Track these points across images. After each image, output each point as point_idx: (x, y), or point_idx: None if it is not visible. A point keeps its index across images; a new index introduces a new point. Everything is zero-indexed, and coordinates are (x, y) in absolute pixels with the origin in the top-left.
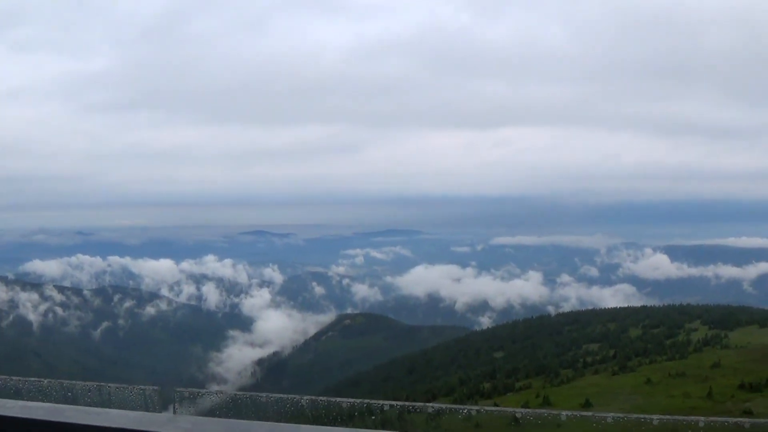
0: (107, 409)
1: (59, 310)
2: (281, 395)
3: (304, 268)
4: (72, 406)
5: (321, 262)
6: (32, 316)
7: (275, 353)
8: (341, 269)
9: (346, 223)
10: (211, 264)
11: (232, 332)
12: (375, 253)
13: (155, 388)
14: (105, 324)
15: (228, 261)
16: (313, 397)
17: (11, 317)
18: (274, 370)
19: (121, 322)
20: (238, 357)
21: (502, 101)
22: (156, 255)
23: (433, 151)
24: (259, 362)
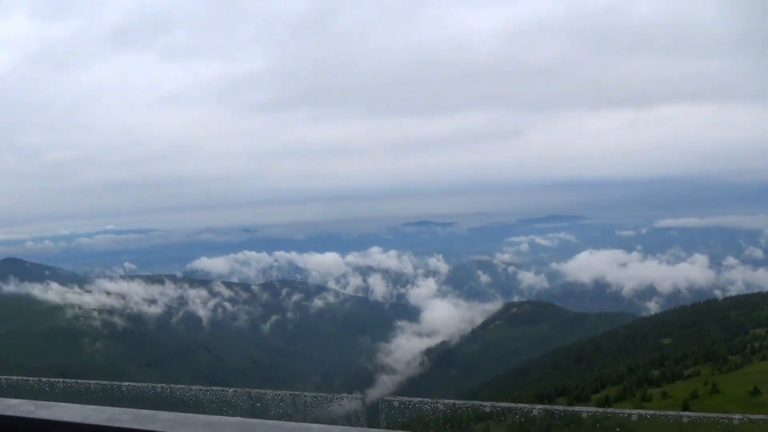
0: (307, 424)
1: (228, 306)
2: (510, 404)
3: (468, 256)
4: (264, 420)
5: (485, 250)
6: (202, 312)
7: (443, 342)
8: (506, 257)
9: (508, 210)
10: (377, 256)
11: (399, 322)
12: (539, 240)
13: (358, 397)
14: (274, 317)
15: (393, 252)
16: (548, 407)
17: (181, 314)
18: (443, 360)
19: (289, 315)
20: (406, 347)
21: (658, 78)
22: (321, 249)
23: (592, 133)
24: (428, 352)
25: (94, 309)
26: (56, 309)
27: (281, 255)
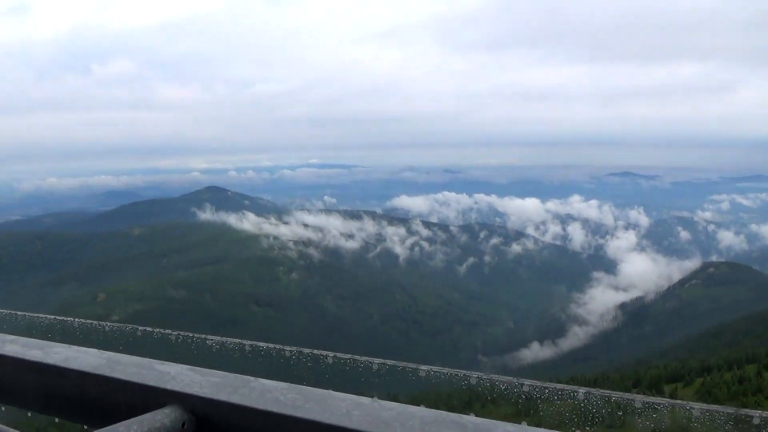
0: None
1: (425, 245)
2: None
3: (669, 212)
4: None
5: (687, 206)
6: (398, 250)
7: (638, 298)
8: (707, 215)
9: (713, 167)
10: (577, 204)
11: (596, 274)
12: (741, 200)
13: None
14: (470, 260)
15: (594, 202)
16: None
17: (378, 249)
18: (636, 315)
19: (486, 258)
20: (600, 299)
21: None
22: (522, 194)
23: None
24: (622, 306)
25: (291, 240)
26: (251, 238)
27: (482, 198)
